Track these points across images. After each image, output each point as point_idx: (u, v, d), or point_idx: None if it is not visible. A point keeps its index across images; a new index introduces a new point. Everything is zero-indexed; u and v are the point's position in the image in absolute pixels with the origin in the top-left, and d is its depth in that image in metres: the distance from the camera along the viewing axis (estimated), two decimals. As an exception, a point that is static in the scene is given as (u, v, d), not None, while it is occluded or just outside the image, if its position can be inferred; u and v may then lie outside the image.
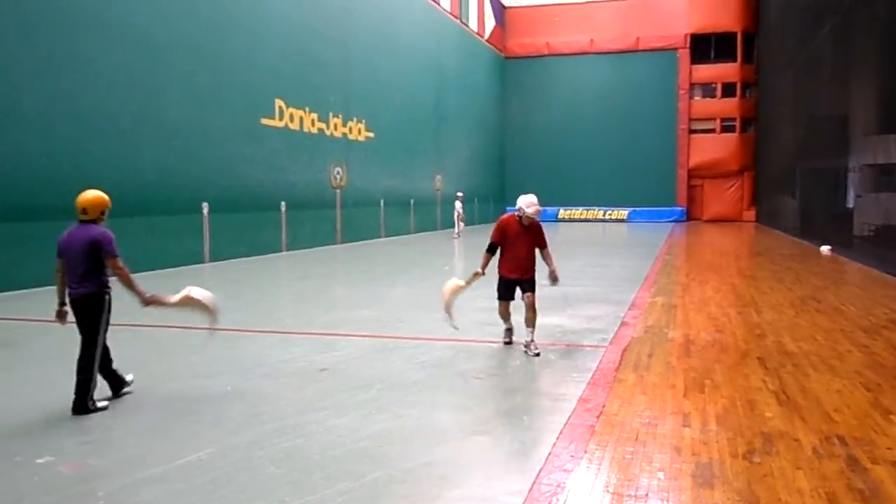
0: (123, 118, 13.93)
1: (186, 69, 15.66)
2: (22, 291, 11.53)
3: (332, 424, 4.91)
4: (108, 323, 5.59)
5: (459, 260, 18.56)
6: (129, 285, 5.50)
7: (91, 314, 5.46)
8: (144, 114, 14.46)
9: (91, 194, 5.64)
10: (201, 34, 16.12)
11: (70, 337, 7.76)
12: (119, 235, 12.84)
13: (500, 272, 7.61)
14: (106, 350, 5.59)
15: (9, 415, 5.26)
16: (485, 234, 8.21)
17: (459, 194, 28.11)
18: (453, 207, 27.50)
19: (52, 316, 5.55)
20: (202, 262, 16.12)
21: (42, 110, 12.28)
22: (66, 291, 5.48)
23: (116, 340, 8.01)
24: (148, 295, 5.57)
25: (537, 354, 6.99)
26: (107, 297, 5.53)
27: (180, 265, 15.21)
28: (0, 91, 11.57)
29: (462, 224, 27.07)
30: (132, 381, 5.80)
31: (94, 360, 5.44)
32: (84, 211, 5.54)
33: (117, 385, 5.68)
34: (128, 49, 14.05)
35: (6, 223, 11.61)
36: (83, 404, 5.23)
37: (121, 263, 5.49)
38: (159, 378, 6.28)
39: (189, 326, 8.54)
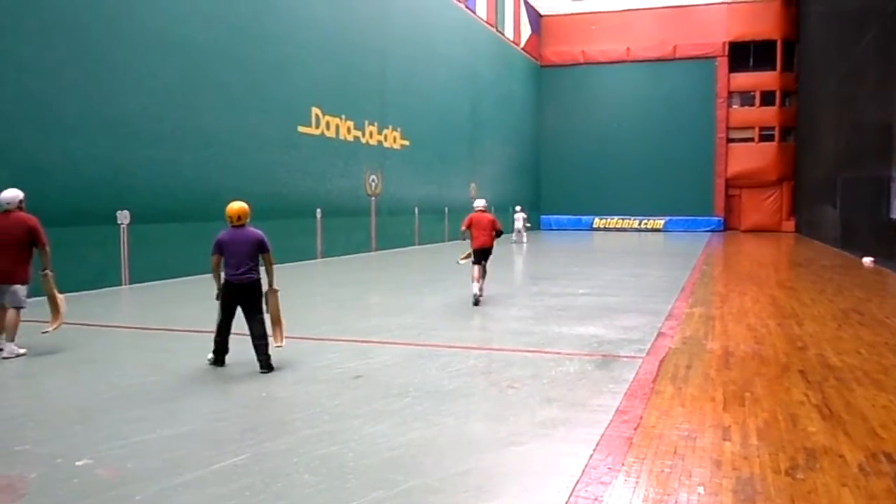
0: (163, 125, 14.14)
1: (225, 77, 15.86)
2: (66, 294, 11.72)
3: (367, 432, 4.91)
4: None
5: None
6: (272, 274, 7.25)
7: (256, 294, 6.99)
8: (183, 121, 14.67)
9: (239, 205, 7.18)
10: (240, 43, 16.32)
11: (111, 341, 7.88)
12: (158, 241, 13.12)
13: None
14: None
15: (50, 417, 5.33)
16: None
17: (518, 208, 30.12)
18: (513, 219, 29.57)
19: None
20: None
21: (85, 117, 12.52)
22: (223, 278, 6.99)
23: (159, 344, 8.13)
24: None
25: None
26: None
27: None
28: (46, 98, 11.82)
29: (524, 234, 29.02)
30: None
31: (265, 325, 6.90)
32: (239, 217, 7.11)
33: (224, 350, 7.00)
34: (168, 58, 14.28)
35: (52, 228, 11.82)
36: (268, 363, 6.71)
37: (272, 258, 7.19)
38: (198, 383, 6.32)
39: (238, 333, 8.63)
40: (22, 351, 7.45)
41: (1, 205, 7.53)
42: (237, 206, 7.16)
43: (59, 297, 7.91)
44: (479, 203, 12.35)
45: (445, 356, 7.39)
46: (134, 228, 13.41)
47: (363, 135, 21.95)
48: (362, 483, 4.03)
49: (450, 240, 28.36)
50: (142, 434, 4.89)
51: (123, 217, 13.20)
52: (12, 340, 7.42)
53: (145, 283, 13.49)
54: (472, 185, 31.21)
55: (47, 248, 7.67)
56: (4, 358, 7.28)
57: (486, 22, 32.96)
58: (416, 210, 25.73)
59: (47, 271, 7.71)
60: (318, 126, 19.53)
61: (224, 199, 15.92)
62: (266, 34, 17.26)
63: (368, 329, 8.98)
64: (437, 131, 27.22)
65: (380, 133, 22.99)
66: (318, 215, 19.57)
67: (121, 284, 13.12)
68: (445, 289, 13.57)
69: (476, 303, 11.05)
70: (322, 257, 19.58)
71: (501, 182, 35.16)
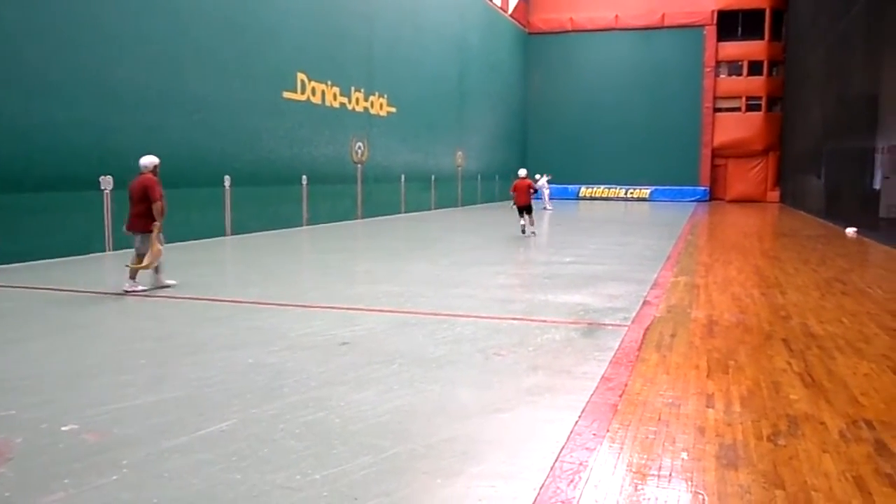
0: (148, 91, 13.95)
1: (211, 42, 15.64)
2: (50, 260, 11.65)
3: (354, 398, 4.92)
4: None
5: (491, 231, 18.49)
6: None
7: None
8: (169, 87, 14.47)
9: None
10: (226, 7, 16.07)
11: (97, 308, 7.85)
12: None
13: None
14: None
15: (35, 382, 5.31)
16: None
17: (545, 175, 30.43)
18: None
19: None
20: (224, 234, 16.19)
21: (70, 82, 12.32)
22: None
23: (151, 310, 8.10)
24: None
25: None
26: None
27: (203, 237, 15.30)
28: (30, 62, 11.61)
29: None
30: None
31: None
32: None
33: None
34: (155, 23, 14.05)
35: (35, 193, 11.70)
36: None
37: None
38: (186, 349, 6.31)
39: (215, 299, 8.61)
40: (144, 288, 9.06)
41: (139, 167, 9.31)
42: None
43: (157, 247, 9.04)
44: (522, 172, 18.16)
45: (432, 324, 7.41)
46: (118, 194, 13.26)
47: (349, 101, 21.76)
48: (349, 449, 4.05)
49: (436, 208, 28.33)
50: (128, 400, 4.89)
51: (107, 183, 13.06)
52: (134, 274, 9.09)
53: (130, 250, 13.36)
54: (459, 153, 31.11)
55: (159, 203, 9.02)
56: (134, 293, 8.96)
57: (475, -12, 32.59)
58: (403, 178, 25.63)
59: (155, 223, 9.03)
60: (303, 92, 19.33)
61: (210, 164, 15.90)
62: (253, 1, 16.99)
63: (355, 296, 8.98)
64: (424, 98, 27.02)
65: (366, 100, 22.79)
66: (304, 182, 19.45)
67: (105, 251, 13.02)
68: (431, 257, 13.57)
69: (523, 231, 17.61)
70: (308, 224, 19.50)
71: (488, 150, 35.05)
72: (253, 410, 4.69)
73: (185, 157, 14.87)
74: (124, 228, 9.33)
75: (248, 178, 16.87)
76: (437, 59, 28.27)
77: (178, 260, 12.13)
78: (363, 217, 22.62)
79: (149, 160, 9.38)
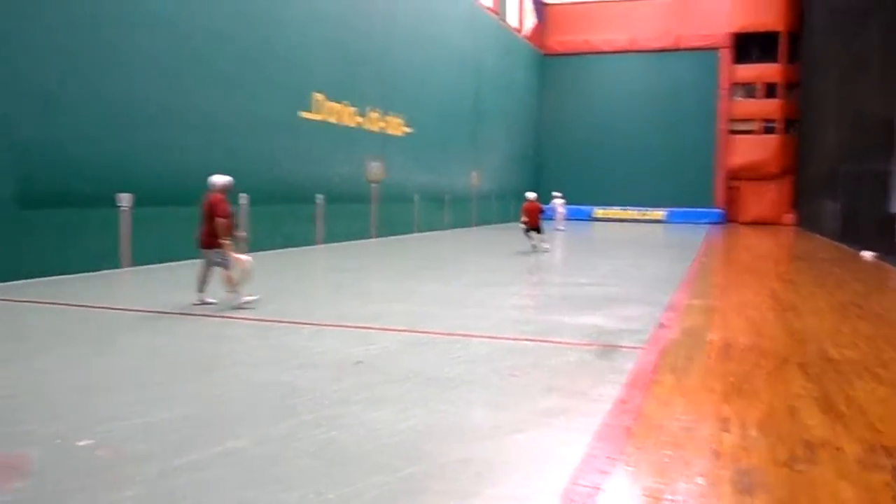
0: (168, 110, 14.11)
1: (229, 62, 15.83)
2: (67, 276, 11.75)
3: (368, 417, 4.92)
4: None
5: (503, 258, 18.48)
6: None
7: None
8: (188, 106, 14.64)
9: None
10: (243, 28, 16.27)
11: (110, 323, 7.89)
12: (162, 225, 13.20)
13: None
14: None
15: (51, 397, 5.34)
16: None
17: (559, 194, 30.81)
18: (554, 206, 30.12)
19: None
20: (247, 252, 16.23)
21: (90, 101, 12.47)
22: None
23: (166, 327, 8.14)
24: None
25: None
26: None
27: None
28: (49, 81, 11.77)
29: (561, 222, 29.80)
30: None
31: None
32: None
33: None
34: (173, 43, 14.23)
35: (52, 209, 11.82)
36: None
37: None
38: (200, 366, 6.34)
39: (229, 316, 8.65)
40: (248, 299, 9.29)
41: (209, 186, 9.54)
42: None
43: (243, 259, 9.36)
44: (531, 195, 19.28)
45: (445, 343, 7.40)
46: (135, 211, 13.39)
47: (365, 121, 21.91)
48: (363, 468, 4.05)
49: (450, 228, 28.36)
50: (142, 416, 4.91)
51: (124, 200, 13.17)
52: (234, 292, 9.30)
53: (145, 266, 13.48)
54: (474, 173, 31.21)
55: (222, 221, 9.17)
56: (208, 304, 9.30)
57: (490, 10, 32.84)
58: (417, 197, 25.72)
59: (223, 240, 9.22)
60: (320, 111, 19.48)
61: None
62: (270, 19, 17.20)
63: (369, 315, 8.99)
64: (439, 119, 27.19)
65: (382, 119, 22.95)
66: (320, 201, 19.55)
67: (121, 267, 13.11)
68: (445, 277, 13.58)
69: (534, 248, 18.73)
70: (322, 243, 19.58)
71: (502, 171, 35.16)
72: (266, 428, 4.70)
73: (202, 174, 14.95)
74: (197, 245, 9.52)
75: (265, 196, 16.98)
76: (452, 81, 28.47)
77: (188, 278, 12.21)
78: (377, 236, 22.69)
79: (219, 179, 9.60)
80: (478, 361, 6.64)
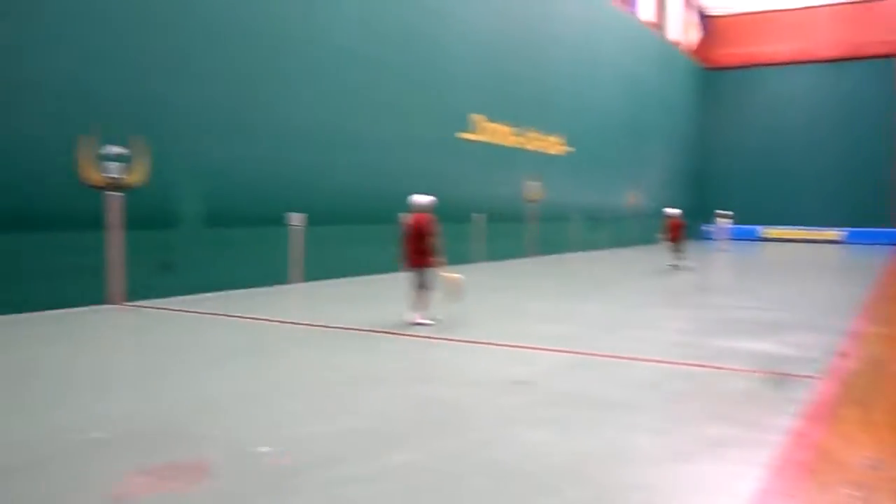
0: (337, 134, 14.90)
1: (394, 87, 16.49)
2: (239, 291, 12.57)
3: (530, 438, 4.93)
4: None
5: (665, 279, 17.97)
6: None
7: None
8: (355, 129, 15.37)
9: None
10: (407, 54, 16.89)
11: (283, 336, 8.33)
12: (318, 243, 13.75)
13: None
14: None
15: (232, 403, 5.72)
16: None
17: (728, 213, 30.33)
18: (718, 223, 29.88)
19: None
20: (397, 271, 16.73)
21: (267, 127, 13.40)
22: None
23: (336, 341, 8.53)
24: None
25: None
26: None
27: (381, 273, 15.91)
28: (229, 106, 12.73)
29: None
30: None
31: None
32: None
33: None
34: (344, 72, 15.03)
35: (229, 228, 12.73)
36: None
37: None
38: (369, 381, 6.59)
39: (391, 332, 8.92)
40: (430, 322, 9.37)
41: (413, 206, 9.77)
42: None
43: (451, 276, 9.79)
44: (672, 212, 19.53)
45: (608, 366, 7.29)
46: (306, 230, 14.16)
47: (524, 140, 22.07)
48: (527, 489, 4.06)
49: (608, 247, 27.84)
50: (316, 425, 5.16)
51: (295, 219, 13.96)
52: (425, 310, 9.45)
53: (315, 282, 14.20)
54: (632, 191, 30.54)
55: (433, 240, 9.46)
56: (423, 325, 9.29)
57: (651, 24, 32.18)
58: (575, 216, 25.50)
59: (437, 258, 9.50)
60: (479, 132, 19.82)
61: (387, 203, 16.54)
62: (431, 44, 17.76)
63: (529, 335, 8.99)
64: (597, 137, 26.90)
65: (540, 139, 23.02)
66: (479, 220, 19.82)
67: (291, 282, 13.88)
68: (603, 297, 13.37)
69: (676, 267, 18.56)
70: (483, 261, 19.82)
71: (663, 189, 34.16)
72: (433, 445, 4.81)
73: (360, 194, 15.62)
74: (403, 265, 9.67)
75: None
76: (611, 97, 28.10)
77: (360, 293, 12.73)
78: (535, 255, 22.68)
79: (423, 199, 9.83)
80: (641, 385, 6.49)
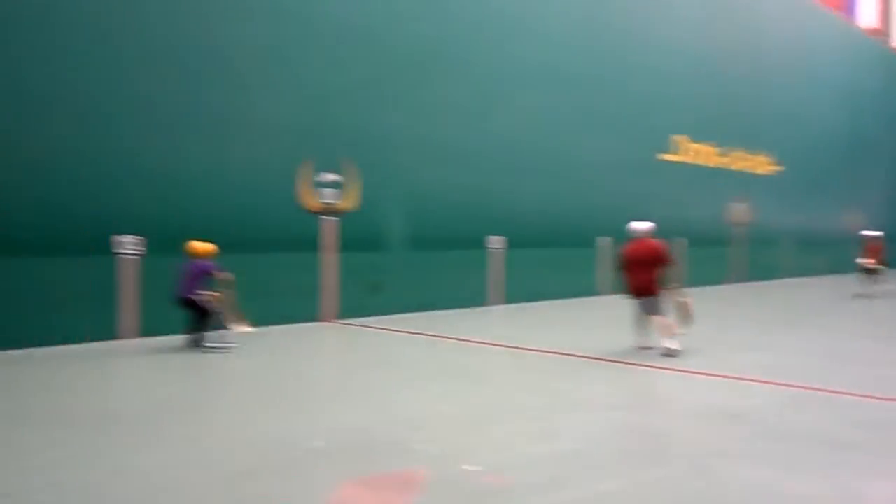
0: (535, 156, 15.00)
1: (591, 103, 16.37)
2: (445, 311, 12.92)
3: (748, 475, 4.62)
4: None
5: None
6: None
7: None
8: (547, 149, 15.41)
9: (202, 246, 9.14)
10: (609, 72, 16.74)
11: (486, 357, 8.41)
12: (518, 265, 13.75)
13: None
14: None
15: (442, 421, 5.84)
16: None
17: None
18: None
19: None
20: (594, 294, 16.51)
21: (467, 152, 13.77)
22: None
23: (537, 364, 8.52)
24: None
25: None
26: None
27: (574, 297, 15.78)
28: (424, 133, 13.20)
29: None
30: None
31: None
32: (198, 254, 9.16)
33: None
34: (539, 88, 15.13)
35: (428, 252, 13.16)
36: None
37: None
38: (569, 405, 6.51)
39: (587, 356, 8.76)
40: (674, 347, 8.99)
41: (632, 233, 9.54)
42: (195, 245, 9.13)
43: (684, 300, 9.49)
44: (872, 233, 17.82)
45: (832, 402, 6.71)
46: (505, 252, 14.35)
47: (729, 161, 21.07)
48: (749, 529, 3.80)
49: (823, 274, 25.72)
50: (524, 447, 5.15)
51: (496, 241, 14.18)
52: (670, 337, 9.09)
53: (513, 305, 14.32)
54: (851, 213, 28.09)
55: (667, 267, 9.22)
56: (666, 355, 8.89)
57: (873, 31, 29.67)
58: (784, 240, 23.89)
59: (673, 284, 9.34)
60: (681, 152, 19.17)
61: (583, 225, 16.37)
62: (635, 64, 17.49)
63: (744, 365, 8.45)
64: (811, 154, 25.14)
65: (747, 158, 21.88)
66: (680, 245, 19.13)
67: (493, 304, 14.09)
68: (821, 328, 12.37)
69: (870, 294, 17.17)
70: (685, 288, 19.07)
71: (888, 208, 31.11)
72: (641, 473, 4.65)
73: (557, 217, 15.57)
74: (630, 294, 9.36)
75: (623, 239, 17.07)
76: (827, 112, 26.18)
77: (561, 317, 12.68)
78: (740, 281, 21.49)
79: (645, 225, 9.62)
80: (874, 425, 5.90)
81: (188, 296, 8.91)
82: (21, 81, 8.87)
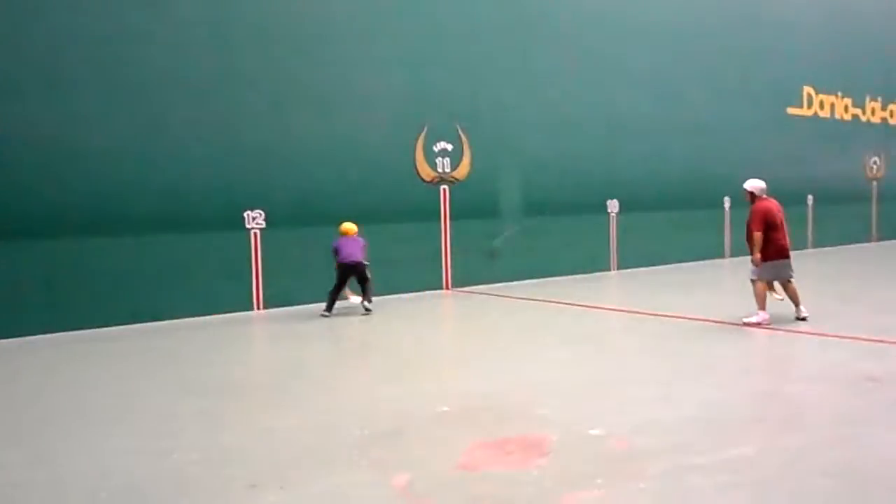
0: (652, 119, 14.57)
1: (712, 64, 15.70)
2: (567, 277, 12.83)
3: (889, 439, 4.39)
4: None
5: None
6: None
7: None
8: (672, 112, 14.93)
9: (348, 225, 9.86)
10: (728, 29, 15.99)
11: (600, 321, 8.29)
12: (641, 229, 13.43)
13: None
14: None
15: (565, 387, 5.85)
16: None
17: None
18: None
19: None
20: (723, 256, 15.98)
21: (584, 117, 13.54)
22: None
23: (654, 327, 8.38)
24: None
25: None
26: None
27: (702, 259, 15.34)
28: (552, 102, 13.04)
29: None
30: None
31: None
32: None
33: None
34: (658, 50, 14.66)
35: (554, 216, 13.07)
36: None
37: None
38: (694, 369, 6.37)
39: (737, 324, 8.49)
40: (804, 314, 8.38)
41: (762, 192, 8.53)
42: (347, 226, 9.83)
43: (759, 285, 8.37)
44: None
45: (984, 365, 6.26)
46: (622, 216, 14.07)
47: (863, 113, 19.75)
48: (887, 494, 3.62)
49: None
50: (646, 412, 5.08)
51: (613, 206, 13.92)
52: (798, 305, 8.44)
53: (630, 269, 14.07)
54: None
55: (755, 234, 8.22)
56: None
57: None
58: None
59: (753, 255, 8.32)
60: (809, 106, 18.14)
61: (709, 186, 15.84)
62: (754, 17, 16.64)
63: (881, 327, 7.99)
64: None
65: (884, 109, 20.43)
66: (810, 202, 18.19)
67: (609, 269, 13.88)
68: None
69: None
70: (813, 247, 18.16)
71: None
72: (774, 440, 4.49)
73: (685, 179, 15.09)
74: (776, 257, 8.36)
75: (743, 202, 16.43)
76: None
77: (684, 281, 12.36)
78: (879, 240, 20.23)
79: (755, 184, 8.62)
80: None
81: (361, 261, 9.65)
82: (158, 78, 9.38)
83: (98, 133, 8.98)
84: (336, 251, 9.64)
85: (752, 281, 8.42)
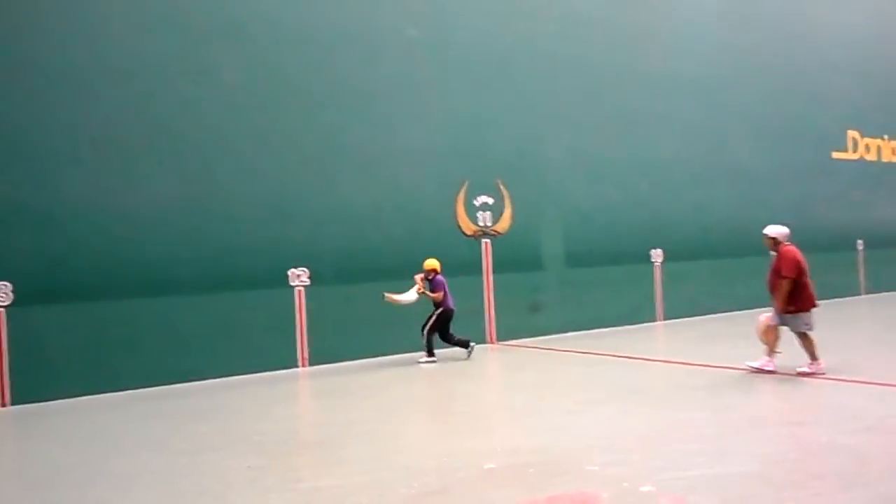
0: (695, 166, 14.50)
1: (756, 110, 15.68)
2: (607, 329, 12.68)
3: (960, 497, 4.21)
4: None
5: None
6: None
7: None
8: (714, 159, 14.88)
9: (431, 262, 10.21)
10: (771, 76, 15.98)
11: (649, 374, 8.14)
12: (689, 277, 13.22)
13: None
14: None
15: (613, 442, 5.73)
16: None
17: None
18: None
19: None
20: (760, 306, 15.65)
21: (625, 165, 13.51)
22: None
23: (704, 381, 8.20)
24: None
25: None
26: None
27: (749, 308, 15.01)
28: (591, 151, 13.08)
29: None
30: None
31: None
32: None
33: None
34: (696, 99, 14.65)
35: (591, 267, 12.98)
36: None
37: None
38: (746, 422, 6.20)
39: (787, 374, 8.30)
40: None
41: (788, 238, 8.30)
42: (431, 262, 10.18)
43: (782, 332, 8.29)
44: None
45: None
46: (666, 266, 13.91)
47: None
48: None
49: None
50: (698, 468, 4.94)
51: (657, 256, 13.79)
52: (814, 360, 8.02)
53: (676, 320, 13.84)
54: None
55: (784, 281, 7.95)
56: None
57: None
58: None
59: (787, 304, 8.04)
60: (855, 150, 17.89)
61: (756, 234, 15.65)
62: (795, 63, 16.60)
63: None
64: None
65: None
66: (860, 247, 17.79)
67: (655, 320, 13.68)
68: None
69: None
70: (866, 293, 17.69)
71: None
72: (833, 496, 4.33)
73: (729, 226, 14.91)
74: (810, 306, 8.28)
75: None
76: None
77: (721, 331, 12.12)
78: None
79: (777, 230, 8.39)
80: None
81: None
82: (203, 140, 9.67)
83: (149, 196, 9.24)
84: (446, 292, 10.09)
85: (804, 334, 8.09)
